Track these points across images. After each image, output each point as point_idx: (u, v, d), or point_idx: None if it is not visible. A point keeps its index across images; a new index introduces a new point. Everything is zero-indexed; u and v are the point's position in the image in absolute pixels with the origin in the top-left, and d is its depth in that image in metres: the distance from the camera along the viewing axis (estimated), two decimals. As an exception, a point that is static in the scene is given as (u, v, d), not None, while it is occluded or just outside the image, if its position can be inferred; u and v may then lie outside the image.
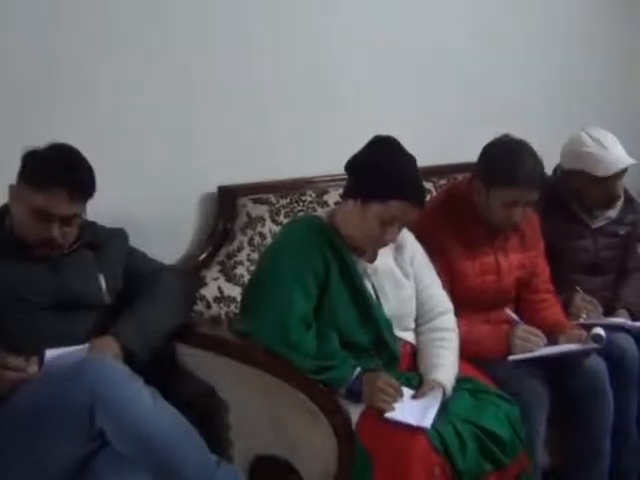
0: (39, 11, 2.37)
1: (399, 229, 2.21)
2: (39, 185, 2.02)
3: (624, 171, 2.74)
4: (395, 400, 2.08)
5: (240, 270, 2.63)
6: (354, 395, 2.10)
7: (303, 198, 2.82)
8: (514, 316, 2.53)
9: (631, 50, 3.93)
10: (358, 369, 2.12)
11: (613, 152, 2.72)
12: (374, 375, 2.11)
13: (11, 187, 2.09)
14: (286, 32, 2.87)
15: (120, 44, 2.52)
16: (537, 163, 2.45)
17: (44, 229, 2.05)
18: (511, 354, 2.39)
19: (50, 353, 1.95)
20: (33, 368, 1.92)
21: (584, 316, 2.68)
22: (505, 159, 2.44)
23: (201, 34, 2.68)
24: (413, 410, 2.07)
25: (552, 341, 2.47)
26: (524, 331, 2.43)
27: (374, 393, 2.07)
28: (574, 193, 2.82)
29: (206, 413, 2.19)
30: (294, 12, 2.88)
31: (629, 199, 2.96)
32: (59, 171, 2.04)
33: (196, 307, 2.48)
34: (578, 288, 2.76)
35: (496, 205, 2.46)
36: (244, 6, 2.77)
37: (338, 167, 2.28)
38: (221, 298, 2.55)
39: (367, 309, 2.22)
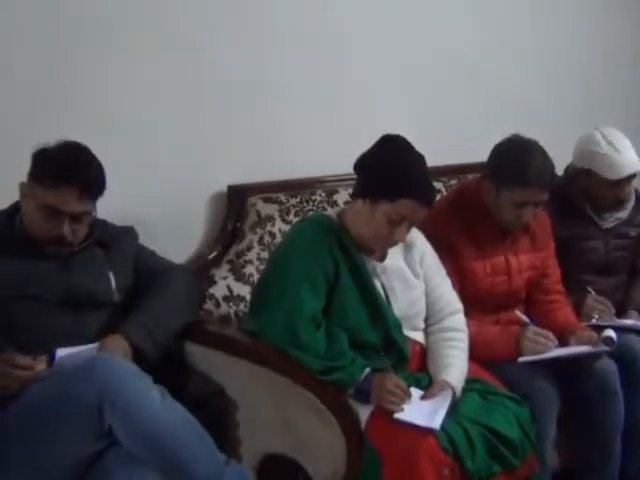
0: (44, 12, 2.38)
1: (408, 228, 2.20)
2: (49, 183, 2.02)
3: (633, 176, 2.73)
4: (404, 402, 2.07)
5: (249, 269, 2.62)
6: (363, 395, 2.09)
7: (313, 197, 2.82)
8: (524, 317, 2.52)
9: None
10: (367, 369, 2.11)
11: (625, 156, 2.70)
12: (383, 376, 2.11)
13: (22, 185, 2.09)
14: (295, 32, 2.87)
15: (127, 43, 2.52)
16: (547, 163, 2.44)
17: (54, 226, 2.05)
18: (521, 356, 2.38)
19: (61, 352, 1.95)
20: (41, 366, 1.93)
21: (596, 317, 2.66)
22: (515, 159, 2.43)
23: (210, 33, 2.68)
24: (422, 411, 2.06)
25: (563, 342, 2.45)
26: (534, 333, 2.42)
27: (383, 395, 2.06)
28: (584, 193, 2.80)
29: (215, 412, 2.19)
30: (301, 11, 2.88)
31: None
32: (69, 169, 2.04)
33: (205, 306, 2.48)
34: (590, 289, 2.75)
35: (506, 205, 2.45)
36: (251, 5, 2.77)
37: (348, 167, 2.27)
38: (230, 297, 2.55)
39: (376, 308, 2.21)
